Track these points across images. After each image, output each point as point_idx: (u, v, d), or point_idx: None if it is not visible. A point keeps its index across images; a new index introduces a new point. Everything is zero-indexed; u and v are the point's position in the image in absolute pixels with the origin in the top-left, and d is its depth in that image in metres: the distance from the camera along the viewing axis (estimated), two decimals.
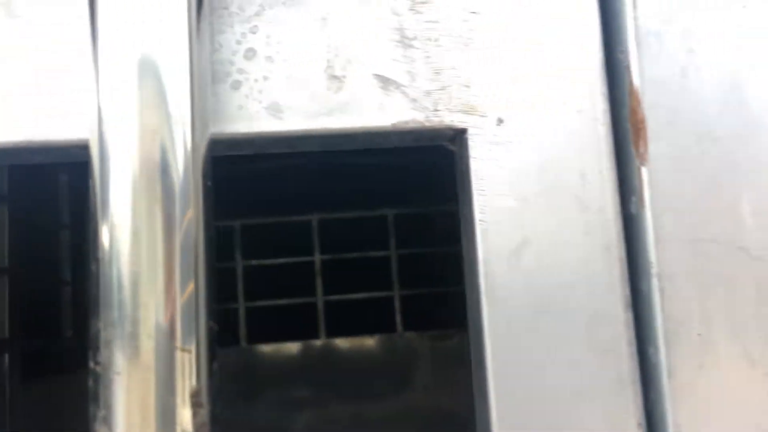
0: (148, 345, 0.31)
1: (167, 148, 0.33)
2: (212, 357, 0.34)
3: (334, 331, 1.21)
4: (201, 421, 0.32)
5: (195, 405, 0.32)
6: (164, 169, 0.33)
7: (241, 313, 1.19)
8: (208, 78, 0.38)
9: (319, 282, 1.23)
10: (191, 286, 0.33)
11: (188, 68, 0.35)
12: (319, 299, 1.23)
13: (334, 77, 0.43)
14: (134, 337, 0.31)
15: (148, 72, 0.34)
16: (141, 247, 0.32)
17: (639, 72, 0.43)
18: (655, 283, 0.42)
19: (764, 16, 0.44)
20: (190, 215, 0.32)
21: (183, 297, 0.33)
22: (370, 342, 1.15)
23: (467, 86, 0.44)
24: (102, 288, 0.32)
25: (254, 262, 1.21)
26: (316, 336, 1.23)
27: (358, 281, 1.10)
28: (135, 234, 0.32)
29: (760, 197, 0.43)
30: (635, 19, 0.44)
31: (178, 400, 0.32)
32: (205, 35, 0.38)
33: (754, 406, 0.41)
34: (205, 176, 0.35)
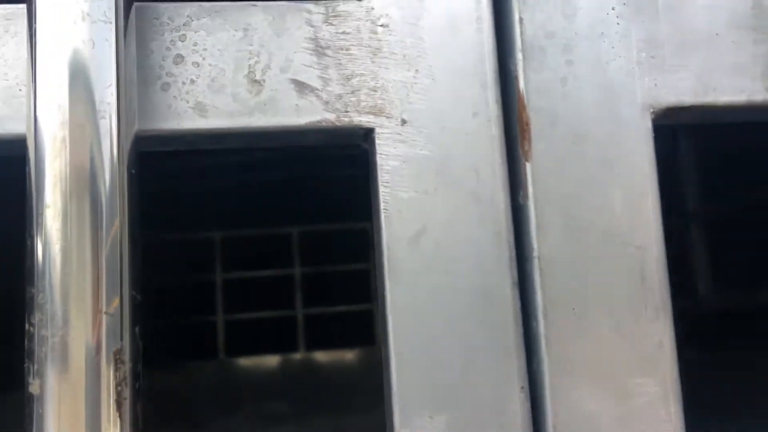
0: (75, 308, 0.36)
1: (94, 141, 0.38)
2: (135, 322, 0.39)
3: (313, 344, 1.23)
4: (122, 375, 0.37)
5: (117, 361, 0.37)
6: (92, 158, 0.38)
7: (220, 325, 1.21)
8: (134, 79, 0.43)
9: (298, 295, 1.25)
10: (116, 260, 0.38)
11: (115, 71, 0.40)
12: (299, 312, 1.25)
13: (255, 81, 0.49)
14: (64, 301, 0.36)
15: (79, 74, 0.39)
16: (70, 222, 0.37)
17: (525, 80, 0.50)
18: (536, 264, 0.48)
19: (636, 33, 0.51)
20: (115, 196, 0.38)
21: (108, 269, 0.38)
22: (349, 355, 1.16)
23: (375, 90, 0.50)
24: (36, 259, 0.37)
25: (234, 274, 1.23)
26: (295, 349, 1.24)
27: (338, 294, 1.13)
28: (64, 212, 0.37)
29: (629, 191, 0.49)
30: (522, 34, 0.50)
31: (103, 357, 0.37)
32: (132, 42, 0.43)
33: (622, 372, 0.48)
34: (129, 165, 0.40)
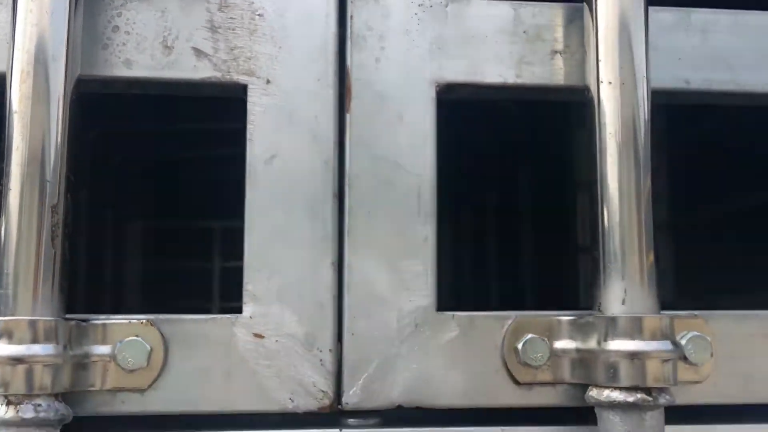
0: (29, 174, 0.57)
1: (48, 74, 0.59)
2: (68, 190, 0.59)
3: None
4: (56, 221, 0.58)
5: (53, 212, 0.57)
6: (46, 84, 0.59)
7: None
8: (79, 39, 0.64)
9: None
10: (58, 147, 0.58)
11: (66, 31, 0.60)
12: None
13: (167, 47, 0.69)
14: (22, 169, 0.57)
15: (41, 32, 0.59)
16: (31, 119, 0.57)
17: (351, 58, 0.70)
18: (347, 182, 0.69)
19: (430, 32, 0.71)
20: (60, 104, 0.58)
21: (54, 154, 0.58)
22: None
23: (250, 59, 0.70)
24: (6, 139, 0.57)
25: (231, 263, 1.36)
26: None
27: None
28: (25, 114, 0.57)
29: (414, 136, 0.70)
30: (352, 27, 0.71)
31: (46, 208, 0.57)
32: (80, 14, 0.64)
33: (398, 256, 0.68)
34: (72, 93, 0.60)
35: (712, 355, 0.67)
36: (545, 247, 1.19)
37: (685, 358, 0.67)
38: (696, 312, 0.69)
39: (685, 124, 1.55)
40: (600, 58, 0.66)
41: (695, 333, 0.67)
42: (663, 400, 0.61)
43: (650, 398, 0.61)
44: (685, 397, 0.68)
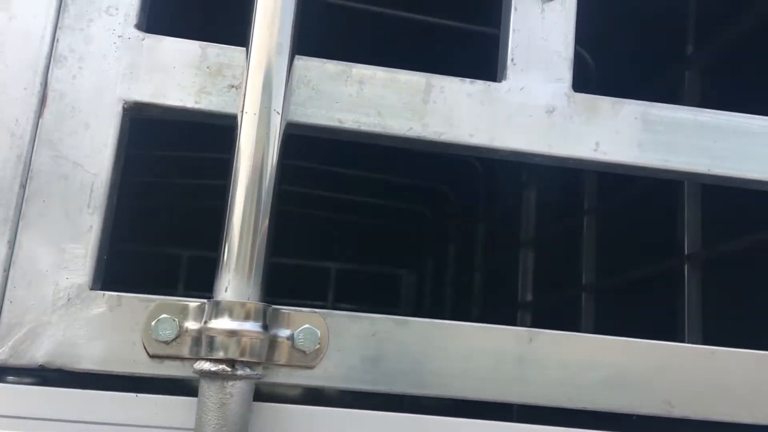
0: None
1: None
2: None
3: None
4: None
5: None
6: None
7: None
8: None
9: None
10: None
11: None
12: None
13: None
14: None
15: None
16: None
17: (51, 73, 0.82)
18: (29, 174, 0.79)
19: (125, 59, 0.83)
20: None
21: None
22: None
23: None
24: None
25: None
26: None
27: None
28: None
29: (95, 141, 0.81)
30: (56, 47, 0.82)
31: None
32: None
33: (63, 239, 0.79)
34: None
35: (319, 344, 0.79)
36: None
37: (297, 348, 0.78)
38: (317, 310, 0.81)
39: (609, 198, 1.87)
40: (246, 92, 0.79)
41: (308, 326, 0.78)
42: (242, 372, 0.72)
43: (230, 369, 0.71)
44: (298, 378, 0.79)
